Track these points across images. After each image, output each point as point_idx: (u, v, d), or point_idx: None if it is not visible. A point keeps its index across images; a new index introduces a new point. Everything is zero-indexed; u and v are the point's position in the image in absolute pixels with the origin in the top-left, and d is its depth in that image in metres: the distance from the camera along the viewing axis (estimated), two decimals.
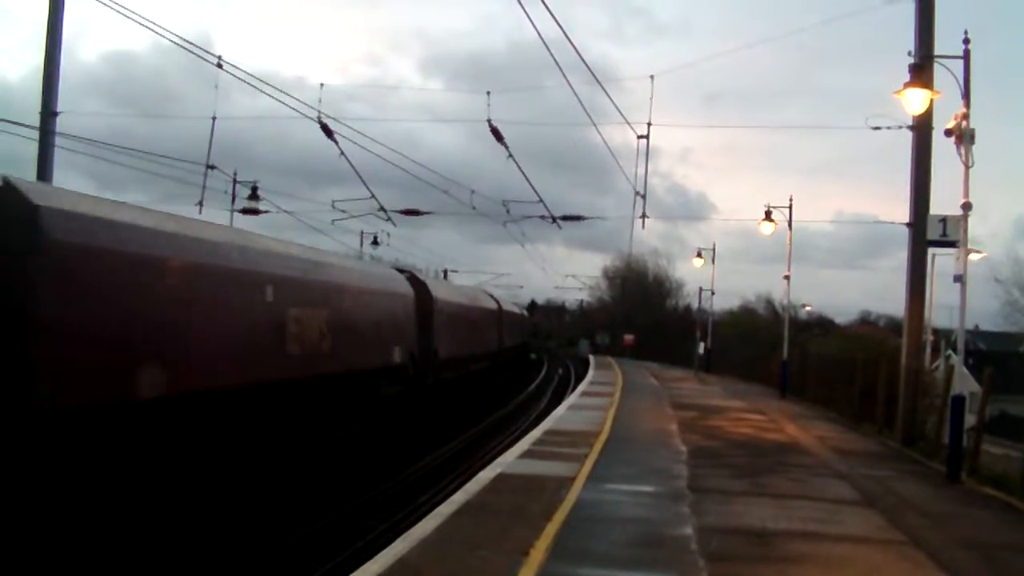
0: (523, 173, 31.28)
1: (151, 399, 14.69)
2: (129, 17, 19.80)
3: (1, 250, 12.36)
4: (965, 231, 18.41)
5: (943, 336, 45.59)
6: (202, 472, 16.03)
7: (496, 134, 28.27)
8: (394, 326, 30.21)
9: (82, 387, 13.15)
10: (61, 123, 29.63)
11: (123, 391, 14.16)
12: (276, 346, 20.14)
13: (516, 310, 74.08)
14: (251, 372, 18.65)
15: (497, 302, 61.51)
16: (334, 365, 23.47)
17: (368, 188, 34.36)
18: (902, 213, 24.99)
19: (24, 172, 21.68)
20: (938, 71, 18.69)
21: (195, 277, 16.59)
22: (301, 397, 21.04)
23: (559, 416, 26.89)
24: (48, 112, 29.13)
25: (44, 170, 29.73)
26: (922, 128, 23.26)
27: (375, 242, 57.78)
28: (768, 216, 39.06)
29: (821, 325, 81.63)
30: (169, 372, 15.30)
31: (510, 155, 29.02)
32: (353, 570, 9.95)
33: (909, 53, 20.29)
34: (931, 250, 24.70)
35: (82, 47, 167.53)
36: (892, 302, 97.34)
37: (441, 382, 36.22)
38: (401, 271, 37.35)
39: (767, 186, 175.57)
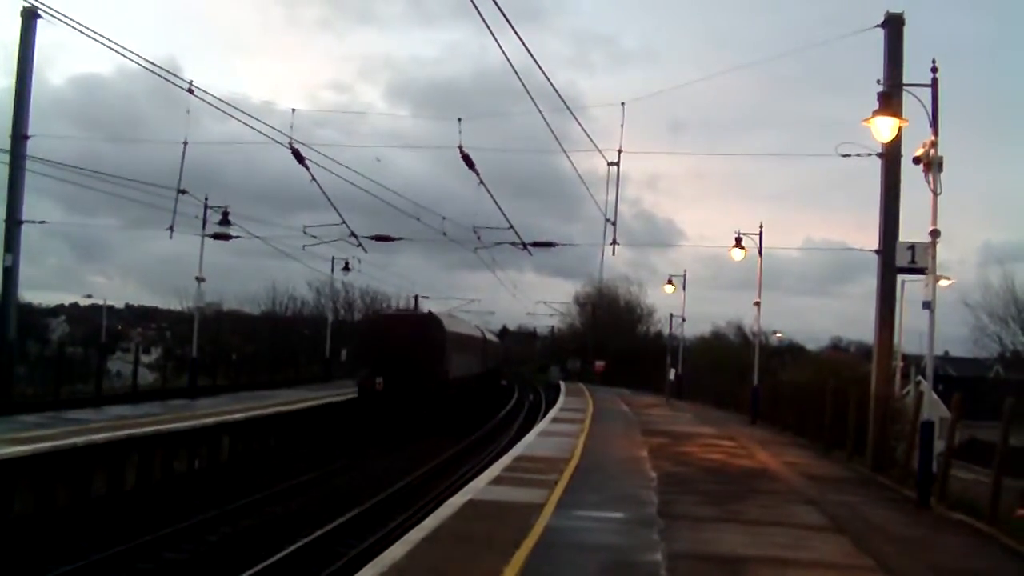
0: (494, 200, 31.33)
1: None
2: (100, 42, 19.83)
3: (435, 337, 42.98)
4: (934, 258, 18.48)
5: (913, 362, 45.76)
6: None
7: (467, 161, 28.28)
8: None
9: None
10: (30, 147, 29.53)
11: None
12: None
13: (493, 338, 79.06)
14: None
15: (482, 332, 67.53)
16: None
17: (339, 214, 34.40)
18: (871, 240, 25.15)
19: None
20: (907, 99, 18.84)
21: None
22: None
23: (529, 442, 26.82)
24: (19, 136, 29.05)
25: (15, 194, 29.63)
26: (891, 156, 23.44)
27: (346, 268, 57.82)
28: (738, 243, 39.19)
29: (792, 351, 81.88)
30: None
31: (481, 182, 29.05)
32: None
33: (878, 81, 20.43)
34: (900, 277, 24.83)
35: (49, 71, 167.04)
36: (862, 328, 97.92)
37: (449, 396, 43.00)
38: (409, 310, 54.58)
39: (736, 213, 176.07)
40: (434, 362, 41.93)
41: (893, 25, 23.90)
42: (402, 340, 41.73)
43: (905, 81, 20.40)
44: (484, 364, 62.72)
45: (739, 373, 50.12)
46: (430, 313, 48.27)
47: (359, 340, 48.41)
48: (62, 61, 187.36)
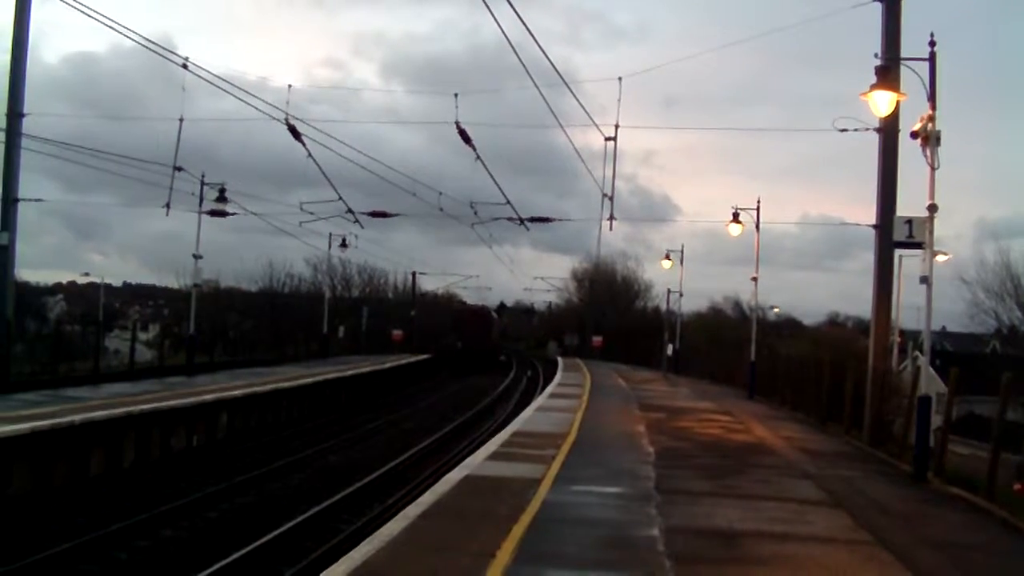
0: (491, 175, 31.34)
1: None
2: (96, 19, 19.81)
3: (488, 321, 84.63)
4: (931, 232, 18.46)
5: (910, 337, 45.87)
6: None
7: (464, 136, 28.25)
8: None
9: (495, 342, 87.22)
10: (26, 125, 29.45)
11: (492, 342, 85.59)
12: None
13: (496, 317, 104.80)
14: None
15: (497, 315, 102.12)
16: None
17: (336, 190, 34.43)
18: (868, 216, 25.14)
19: None
20: (904, 74, 18.79)
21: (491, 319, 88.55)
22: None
23: (527, 418, 26.84)
24: (15, 114, 28.95)
25: (11, 172, 29.55)
26: (888, 130, 23.40)
27: (343, 244, 57.76)
28: (736, 218, 39.16)
29: (789, 326, 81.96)
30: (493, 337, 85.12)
31: (478, 157, 29.05)
32: (319, 572, 9.87)
33: (876, 56, 20.35)
34: (897, 252, 24.82)
35: (44, 49, 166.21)
36: (860, 303, 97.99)
37: (493, 352, 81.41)
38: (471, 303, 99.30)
39: (732, 189, 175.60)
40: (488, 334, 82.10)
41: None
42: (472, 322, 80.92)
43: (903, 55, 20.33)
44: (502, 334, 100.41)
45: (736, 348, 50.13)
46: (484, 306, 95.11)
47: (454, 317, 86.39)
48: (56, 39, 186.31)
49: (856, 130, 24.07)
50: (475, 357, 74.33)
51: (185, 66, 25.46)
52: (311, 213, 39.75)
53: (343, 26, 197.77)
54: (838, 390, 27.29)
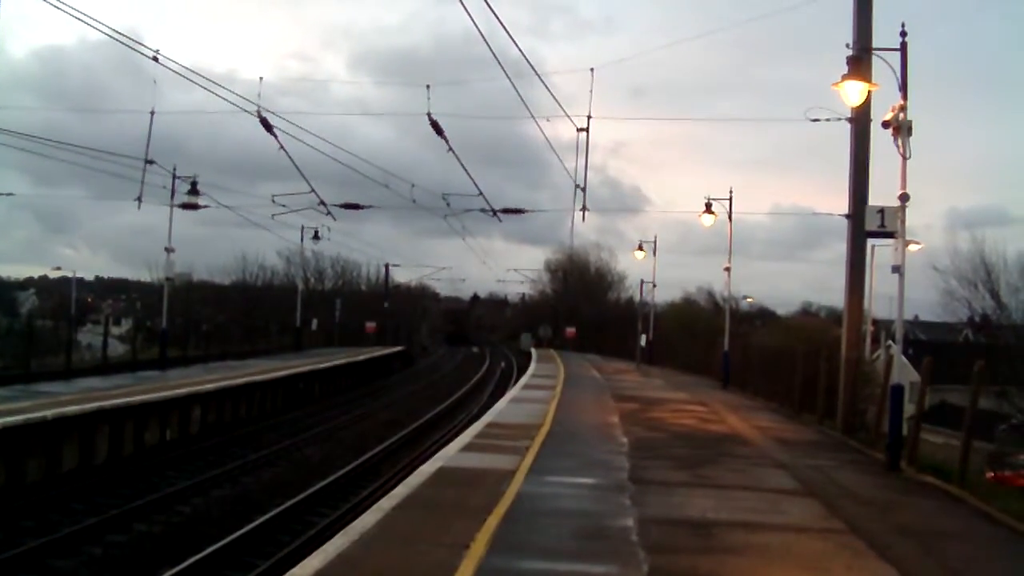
0: (463, 167, 31.29)
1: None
2: (64, 11, 19.58)
3: (469, 313, 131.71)
4: (903, 222, 18.53)
5: (883, 326, 46.05)
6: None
7: (436, 128, 28.14)
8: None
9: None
10: None
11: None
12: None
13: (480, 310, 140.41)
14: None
15: (471, 307, 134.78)
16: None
17: (308, 182, 34.26)
18: (840, 205, 25.19)
19: None
20: (876, 64, 18.83)
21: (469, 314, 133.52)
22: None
23: (500, 409, 26.82)
24: None
25: None
26: (860, 120, 23.45)
27: (316, 236, 57.61)
28: (708, 208, 39.25)
29: (762, 316, 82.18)
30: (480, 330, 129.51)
31: (450, 148, 28.97)
32: (293, 566, 9.83)
33: (847, 45, 20.40)
34: (870, 241, 24.88)
35: (11, 43, 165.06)
36: (832, 293, 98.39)
37: (470, 336, 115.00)
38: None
39: (703, 179, 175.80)
40: (467, 324, 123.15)
41: None
42: (461, 315, 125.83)
43: (875, 46, 20.36)
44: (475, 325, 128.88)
45: (710, 339, 50.24)
46: (465, 304, 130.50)
47: (444, 314, 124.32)
48: (24, 32, 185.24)
49: (828, 120, 24.19)
50: (459, 337, 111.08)
51: (156, 59, 25.26)
52: (283, 205, 39.57)
53: (311, 18, 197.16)
54: (811, 380, 27.37)
